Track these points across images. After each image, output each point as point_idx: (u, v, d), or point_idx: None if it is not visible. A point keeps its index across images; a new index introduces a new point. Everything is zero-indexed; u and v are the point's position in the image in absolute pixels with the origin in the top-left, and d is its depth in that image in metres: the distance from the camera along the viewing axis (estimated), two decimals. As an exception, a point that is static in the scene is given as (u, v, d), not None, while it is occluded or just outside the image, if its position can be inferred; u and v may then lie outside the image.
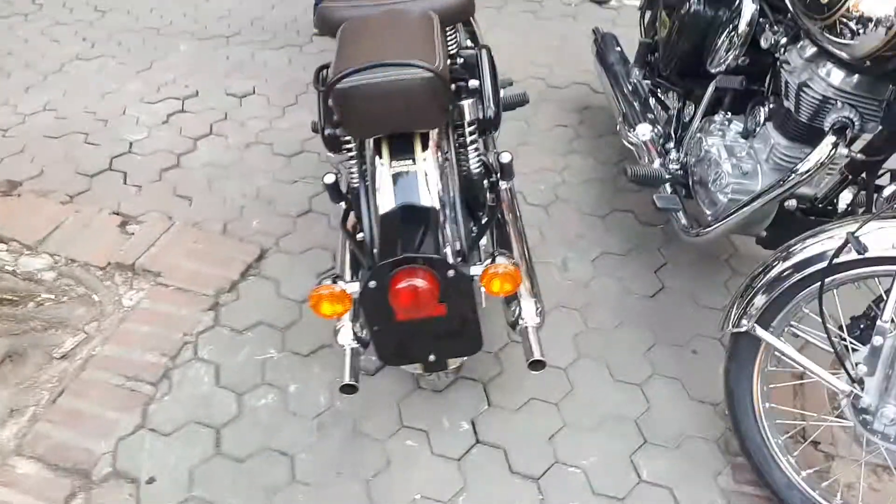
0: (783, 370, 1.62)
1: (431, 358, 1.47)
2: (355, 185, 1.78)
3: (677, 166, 2.09)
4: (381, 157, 1.45)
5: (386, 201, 1.42)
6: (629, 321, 2.09)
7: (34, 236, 2.34)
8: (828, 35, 1.52)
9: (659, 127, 2.26)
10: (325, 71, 1.83)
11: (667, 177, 2.03)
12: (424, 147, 1.44)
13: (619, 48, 2.68)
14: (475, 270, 1.36)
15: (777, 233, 1.85)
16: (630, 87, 2.45)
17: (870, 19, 1.42)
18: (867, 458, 1.52)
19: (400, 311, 1.33)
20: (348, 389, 1.52)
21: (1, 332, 2.03)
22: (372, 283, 1.32)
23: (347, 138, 1.73)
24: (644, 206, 2.48)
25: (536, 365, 1.50)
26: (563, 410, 1.86)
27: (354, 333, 1.58)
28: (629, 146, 2.26)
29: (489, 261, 1.37)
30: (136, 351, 1.97)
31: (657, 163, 2.13)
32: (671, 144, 2.20)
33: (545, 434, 1.81)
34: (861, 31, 1.44)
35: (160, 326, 2.04)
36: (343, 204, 1.90)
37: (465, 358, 1.74)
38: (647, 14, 2.47)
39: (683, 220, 1.97)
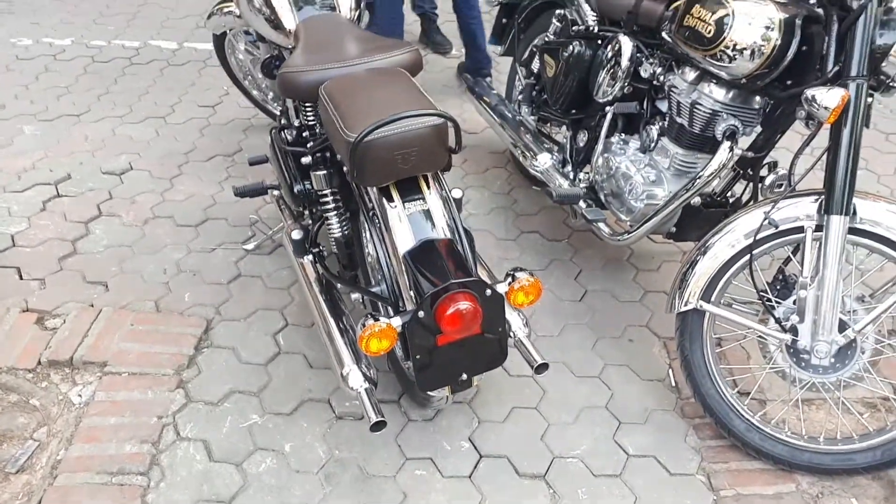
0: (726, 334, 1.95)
1: (463, 377, 1.59)
2: (338, 234, 1.87)
3: (585, 185, 2.40)
4: (390, 202, 1.56)
5: (405, 240, 1.54)
6: (569, 325, 2.35)
7: (-66, 351, 2.09)
8: (711, 61, 1.90)
9: (556, 154, 2.57)
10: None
11: (583, 194, 2.34)
12: (428, 186, 1.59)
13: (494, 91, 2.99)
14: (502, 288, 1.52)
15: (684, 227, 2.22)
16: (518, 123, 2.75)
17: (745, 48, 1.81)
18: (801, 394, 1.88)
19: (448, 335, 1.45)
20: (378, 426, 1.59)
21: (-61, 458, 1.80)
22: (421, 313, 1.43)
23: (325, 192, 1.82)
24: (546, 225, 2.78)
25: (541, 368, 1.69)
26: (543, 411, 2.06)
27: (363, 374, 1.66)
28: (538, 174, 2.54)
29: (510, 279, 1.54)
30: (111, 444, 1.85)
31: (566, 184, 2.43)
32: (569, 168, 2.53)
33: (536, 435, 1.99)
34: (738, 57, 1.84)
35: (129, 415, 1.93)
36: (308, 257, 1.97)
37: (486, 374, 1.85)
38: (525, 57, 2.80)
39: (607, 229, 2.28)
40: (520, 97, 2.82)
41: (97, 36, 4.23)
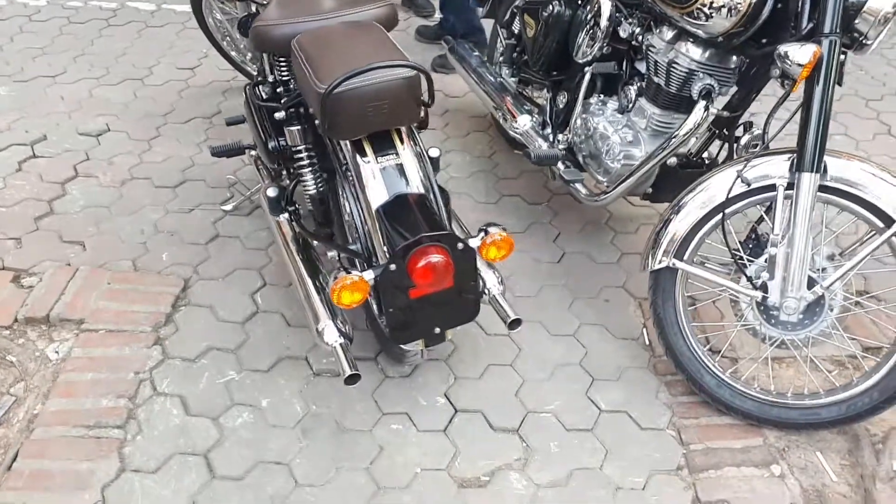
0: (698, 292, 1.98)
1: (437, 330, 1.61)
2: (313, 191, 1.87)
3: (564, 146, 2.41)
4: (364, 156, 1.56)
5: (378, 195, 1.54)
6: (546, 286, 2.37)
7: None
8: (688, 19, 1.90)
9: (536, 116, 2.57)
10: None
11: (562, 155, 2.34)
12: (402, 141, 1.59)
13: (476, 53, 2.97)
14: (474, 242, 1.53)
15: (660, 188, 2.23)
16: (498, 85, 2.74)
17: (722, 5, 1.81)
18: (771, 352, 1.91)
19: (420, 288, 1.46)
20: (352, 379, 1.61)
21: (-85, 412, 1.80)
22: (392, 266, 1.44)
23: (299, 148, 1.81)
24: (527, 189, 2.79)
25: (514, 324, 1.71)
26: (518, 369, 2.09)
27: (338, 329, 1.68)
28: (517, 136, 2.54)
29: (483, 233, 1.55)
30: (88, 399, 1.86)
31: (545, 146, 2.43)
32: (548, 130, 2.53)
33: (511, 391, 2.02)
34: (715, 14, 1.83)
35: (106, 371, 1.93)
36: (284, 215, 1.97)
37: (460, 328, 1.86)
38: (507, 18, 2.78)
39: (584, 190, 2.29)
40: (501, 59, 2.80)
41: (74, -4, 4.15)
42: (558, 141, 2.43)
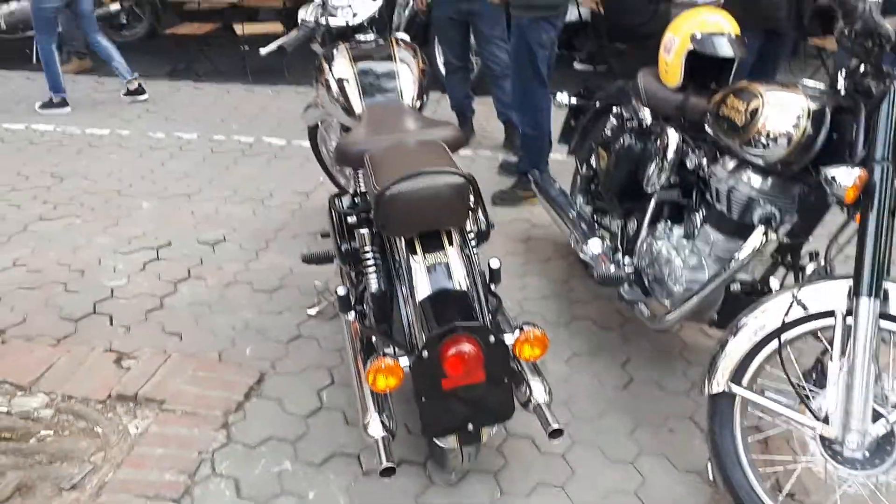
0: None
1: (470, 427, 1.64)
2: (374, 289, 2.01)
3: (631, 270, 2.45)
4: (414, 254, 1.70)
5: (423, 288, 1.66)
6: (609, 410, 2.33)
7: (27, 377, 2.36)
8: (746, 148, 1.96)
9: (607, 241, 2.64)
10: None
11: (626, 277, 2.38)
12: (450, 242, 1.72)
13: (557, 184, 3.13)
14: (509, 338, 1.59)
15: (726, 315, 2.19)
16: (575, 214, 2.86)
17: (777, 135, 1.87)
18: (840, 493, 1.76)
19: (449, 377, 1.52)
20: (388, 472, 1.66)
21: (8, 466, 2.01)
22: (425, 353, 1.52)
23: (366, 250, 1.99)
24: (599, 314, 2.81)
25: (556, 434, 1.71)
26: (569, 491, 2.02)
27: (383, 424, 1.74)
28: (587, 259, 2.61)
29: (518, 330, 1.61)
30: (153, 472, 2.00)
31: (612, 269, 2.48)
32: (619, 255, 2.58)
33: (558, 512, 1.96)
34: (771, 144, 1.89)
35: (174, 448, 2.08)
36: (352, 313, 2.12)
37: (496, 429, 1.87)
38: (586, 153, 2.94)
39: (647, 311, 2.30)
40: (578, 190, 2.94)
41: (220, 132, 4.79)
42: (625, 264, 2.47)
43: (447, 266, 1.68)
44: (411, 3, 5.47)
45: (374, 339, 2.03)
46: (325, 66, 2.47)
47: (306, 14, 2.66)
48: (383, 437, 1.72)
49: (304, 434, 2.19)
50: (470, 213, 1.69)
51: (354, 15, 2.60)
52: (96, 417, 2.22)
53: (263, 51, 2.73)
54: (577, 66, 6.37)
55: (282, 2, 6.24)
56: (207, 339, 2.62)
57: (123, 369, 2.43)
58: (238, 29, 6.10)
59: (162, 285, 2.98)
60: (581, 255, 2.66)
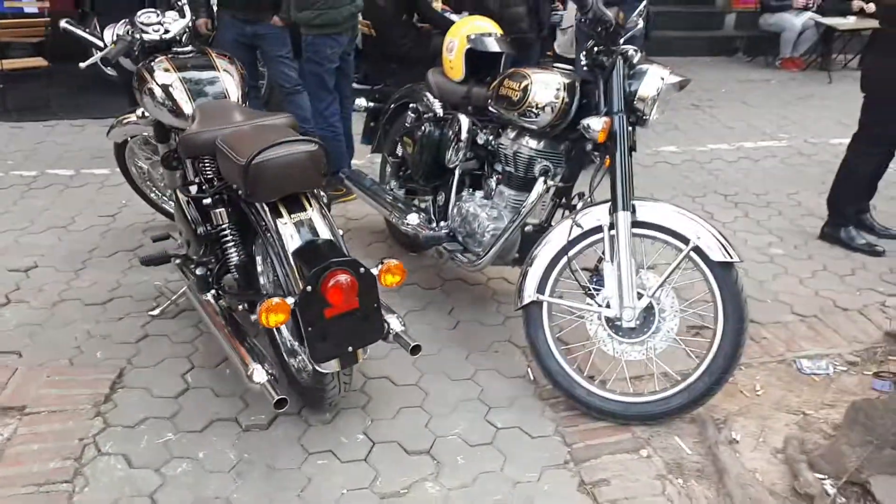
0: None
1: (349, 349, 1.96)
2: (236, 261, 2.25)
3: (447, 231, 2.93)
4: (280, 217, 1.99)
5: (294, 243, 1.96)
6: (446, 346, 2.77)
7: None
8: (522, 118, 2.53)
9: (422, 215, 3.10)
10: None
11: (444, 237, 2.86)
12: (310, 204, 2.04)
13: (368, 176, 3.54)
14: (374, 270, 1.95)
15: (525, 252, 2.74)
16: (391, 197, 3.28)
17: (544, 104, 2.45)
18: (625, 359, 2.36)
19: (333, 307, 1.84)
20: (281, 404, 1.94)
21: None
22: (308, 288, 1.83)
23: (223, 227, 2.22)
24: (423, 279, 3.25)
25: (416, 350, 2.10)
26: (426, 408, 2.42)
27: (265, 371, 2.01)
28: (407, 230, 3.04)
29: (380, 263, 1.98)
30: (35, 465, 2.04)
31: (432, 233, 2.94)
32: (433, 224, 3.05)
33: (421, 424, 2.34)
34: (540, 112, 2.47)
35: (51, 441, 2.12)
36: (211, 292, 2.34)
37: (368, 352, 2.15)
38: (391, 147, 3.39)
39: (465, 259, 2.79)
40: (389, 177, 3.38)
41: (-6, 169, 4.50)
42: (441, 228, 2.95)
43: (311, 221, 1.99)
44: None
45: (240, 307, 2.27)
46: (147, 75, 2.61)
47: (119, 30, 2.78)
48: (268, 380, 1.99)
49: (178, 411, 2.34)
50: (323, 175, 2.02)
51: (167, 31, 2.78)
52: (-51, 435, 2.17)
53: (83, 65, 2.80)
54: (356, 85, 6.86)
55: (42, 36, 5.90)
56: (50, 352, 2.61)
57: (-35, 390, 2.36)
58: (-6, 65, 5.68)
59: (-21, 313, 2.86)
60: (403, 229, 3.08)
